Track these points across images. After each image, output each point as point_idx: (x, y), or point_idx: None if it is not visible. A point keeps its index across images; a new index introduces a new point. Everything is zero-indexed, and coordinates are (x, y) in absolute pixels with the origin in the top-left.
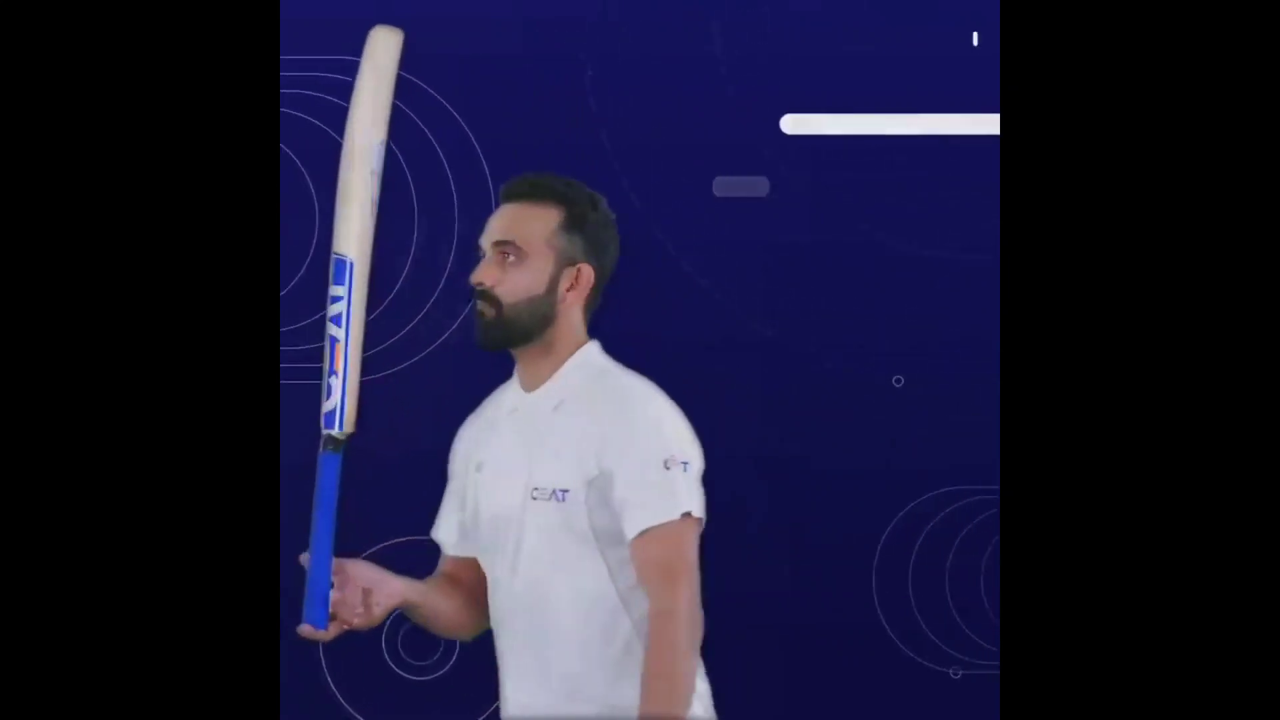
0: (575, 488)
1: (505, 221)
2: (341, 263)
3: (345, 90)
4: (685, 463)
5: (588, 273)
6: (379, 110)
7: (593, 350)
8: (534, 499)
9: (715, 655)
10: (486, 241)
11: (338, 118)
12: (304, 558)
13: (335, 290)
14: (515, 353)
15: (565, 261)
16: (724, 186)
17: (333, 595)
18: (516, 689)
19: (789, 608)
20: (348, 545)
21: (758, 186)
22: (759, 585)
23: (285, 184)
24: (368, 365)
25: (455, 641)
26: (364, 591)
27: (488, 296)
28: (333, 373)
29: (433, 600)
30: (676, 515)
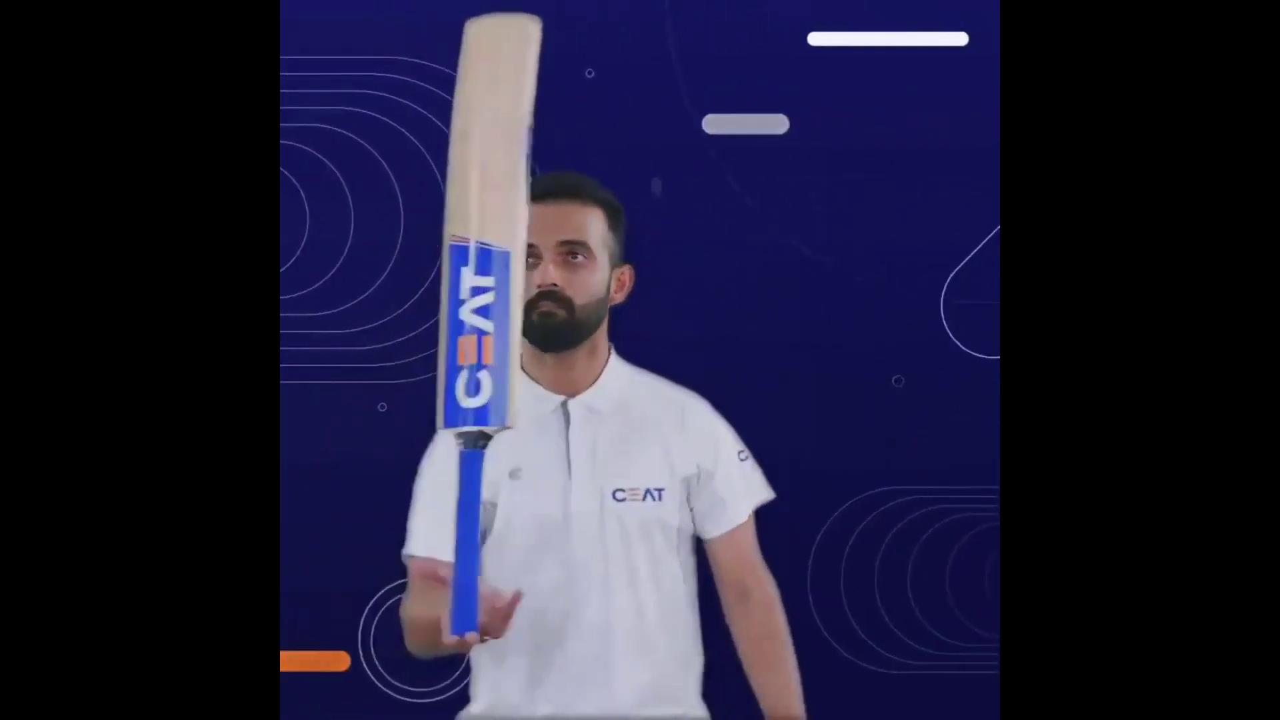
0: (671, 486)
1: (566, 221)
2: (505, 255)
3: (346, 89)
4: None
5: (630, 274)
6: (524, 92)
7: (613, 352)
8: (618, 500)
9: (719, 655)
10: (546, 240)
11: (338, 116)
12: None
13: (480, 281)
14: (560, 355)
15: (614, 263)
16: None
17: (492, 605)
18: (558, 705)
19: (788, 607)
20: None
21: (656, 185)
22: None
23: (285, 184)
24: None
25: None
26: (515, 598)
27: (558, 297)
28: (480, 366)
29: None
30: (764, 499)
